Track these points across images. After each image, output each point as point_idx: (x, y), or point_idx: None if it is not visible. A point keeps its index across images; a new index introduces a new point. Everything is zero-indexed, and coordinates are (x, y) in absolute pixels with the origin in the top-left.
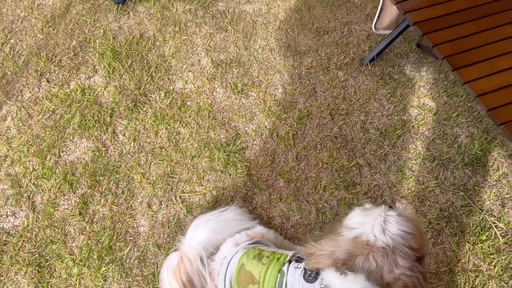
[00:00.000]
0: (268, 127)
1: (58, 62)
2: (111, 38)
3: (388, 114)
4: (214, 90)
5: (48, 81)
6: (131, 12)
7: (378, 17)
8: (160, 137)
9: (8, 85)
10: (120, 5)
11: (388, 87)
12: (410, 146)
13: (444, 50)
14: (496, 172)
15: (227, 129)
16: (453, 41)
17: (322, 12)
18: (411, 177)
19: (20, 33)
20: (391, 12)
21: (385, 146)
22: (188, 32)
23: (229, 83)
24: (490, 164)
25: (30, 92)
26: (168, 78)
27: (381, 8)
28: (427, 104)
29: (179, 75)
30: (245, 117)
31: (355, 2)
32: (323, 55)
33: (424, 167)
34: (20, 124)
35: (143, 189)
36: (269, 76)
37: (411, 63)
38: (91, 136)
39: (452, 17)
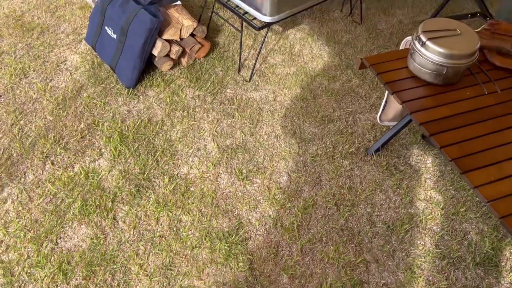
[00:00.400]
0: (272, 216)
1: (64, 144)
2: (120, 121)
3: (395, 207)
4: (218, 175)
5: (52, 164)
6: (141, 96)
7: (383, 109)
8: (161, 224)
9: (13, 167)
10: (131, 89)
11: (394, 179)
12: (418, 242)
13: (452, 152)
14: (509, 273)
15: (230, 218)
16: (460, 143)
17: (327, 101)
18: (420, 277)
19: (31, 114)
20: (396, 105)
21: (393, 242)
22: (196, 117)
23: (234, 169)
24: (502, 264)
25: (33, 174)
26: (173, 163)
27: (386, 101)
28: (434, 198)
29: (185, 159)
30: (249, 205)
31: (359, 93)
32: (328, 143)
33: (434, 266)
34: (20, 208)
35: (139, 282)
36: (274, 163)
37: (416, 154)
38: (91, 222)
39: (459, 118)
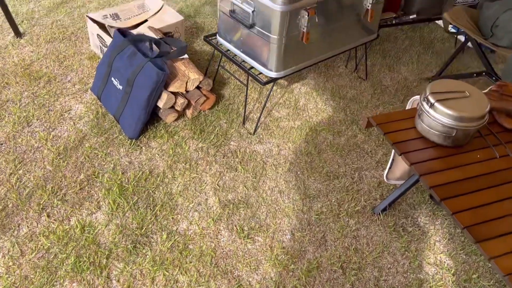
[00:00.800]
0: (274, 279)
1: (62, 196)
2: (120, 173)
3: (403, 271)
4: (219, 232)
5: (48, 216)
6: (143, 148)
7: (390, 168)
8: (157, 285)
9: (7, 218)
10: (134, 140)
11: (402, 240)
12: None
13: (465, 219)
14: None
15: (229, 279)
16: (473, 209)
17: (332, 157)
18: None
19: (30, 163)
20: (403, 164)
21: None
22: (198, 170)
23: (235, 226)
24: None
25: (28, 227)
26: (172, 218)
27: (393, 160)
28: (445, 262)
29: (184, 214)
30: (250, 266)
31: (365, 148)
32: (333, 200)
33: None
34: (11, 263)
35: None
36: (277, 220)
37: (425, 215)
38: (83, 280)
39: (470, 182)
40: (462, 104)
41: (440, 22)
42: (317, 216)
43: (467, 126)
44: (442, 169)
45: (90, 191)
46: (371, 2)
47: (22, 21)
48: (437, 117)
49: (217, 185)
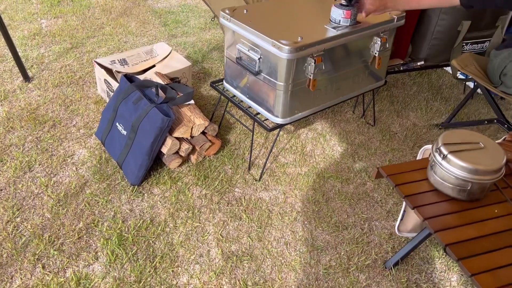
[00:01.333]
0: None
1: (59, 246)
2: (120, 221)
3: None
4: None
5: (43, 267)
6: (145, 194)
7: (401, 219)
8: None
9: (0, 269)
10: (136, 186)
11: None
12: None
13: (485, 281)
14: None
15: None
16: (493, 271)
17: (340, 206)
18: None
19: (29, 211)
20: (416, 216)
21: None
22: (201, 218)
23: (239, 280)
24: None
25: (21, 279)
26: (172, 271)
27: (404, 211)
28: None
29: (185, 267)
30: None
31: (374, 197)
32: (342, 253)
33: None
34: None
35: None
36: (283, 275)
37: (440, 270)
38: None
39: (489, 240)
40: (477, 156)
41: (448, 69)
42: (325, 271)
43: (483, 179)
44: (457, 225)
45: (89, 240)
46: (378, 49)
47: (32, 66)
48: (450, 170)
49: (220, 235)
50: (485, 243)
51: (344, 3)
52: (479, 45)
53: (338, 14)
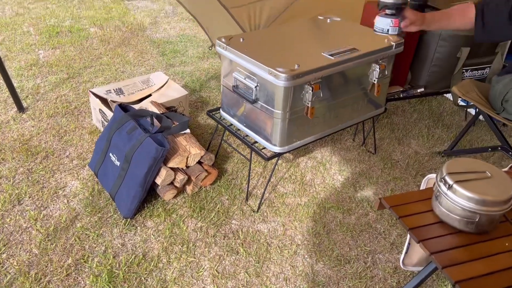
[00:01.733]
0: None
1: (46, 284)
2: (111, 257)
3: None
4: None
5: None
6: (138, 228)
7: (406, 252)
8: None
9: None
10: (129, 219)
11: None
12: None
13: None
14: None
15: None
16: None
17: (342, 238)
18: None
19: (16, 246)
20: (421, 249)
21: None
22: (196, 253)
23: None
24: None
25: None
26: None
27: (409, 244)
28: None
29: None
30: None
31: (377, 228)
32: None
33: None
34: None
35: None
36: None
37: None
38: None
39: (501, 276)
40: (484, 186)
41: (448, 95)
42: None
43: (492, 211)
44: (466, 260)
45: (77, 277)
46: (377, 77)
47: (27, 96)
48: (457, 201)
49: (216, 270)
50: (497, 280)
51: (389, 13)
52: (479, 71)
53: (386, 24)
